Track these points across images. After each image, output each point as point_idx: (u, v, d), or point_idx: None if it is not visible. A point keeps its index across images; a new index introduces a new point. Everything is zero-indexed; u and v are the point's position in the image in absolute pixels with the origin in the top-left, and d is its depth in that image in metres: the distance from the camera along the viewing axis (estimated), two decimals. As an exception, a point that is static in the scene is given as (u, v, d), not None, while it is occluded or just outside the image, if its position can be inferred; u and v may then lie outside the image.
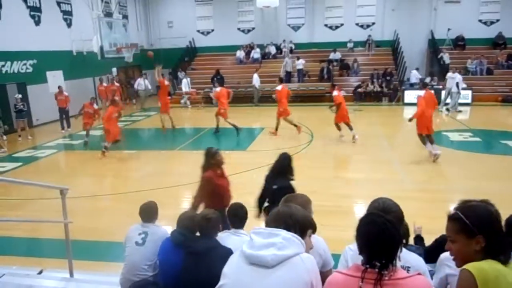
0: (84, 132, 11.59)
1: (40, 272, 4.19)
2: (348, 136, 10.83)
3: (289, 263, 1.61)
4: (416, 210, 5.07)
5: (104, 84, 16.38)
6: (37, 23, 14.93)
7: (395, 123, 14.47)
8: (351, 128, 10.74)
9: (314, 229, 1.89)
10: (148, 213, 3.57)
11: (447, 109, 15.21)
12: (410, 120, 8.96)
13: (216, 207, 3.62)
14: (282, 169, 4.41)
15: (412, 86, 17.43)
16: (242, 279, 1.65)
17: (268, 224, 1.80)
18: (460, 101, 15.99)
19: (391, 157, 9.38)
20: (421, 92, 8.93)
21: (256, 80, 17.80)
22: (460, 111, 15.12)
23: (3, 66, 13.33)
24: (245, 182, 7.85)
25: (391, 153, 9.74)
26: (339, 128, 10.92)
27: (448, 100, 15.56)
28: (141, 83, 18.15)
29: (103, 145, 10.07)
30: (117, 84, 17.05)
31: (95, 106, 11.71)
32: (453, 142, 10.66)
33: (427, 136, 8.66)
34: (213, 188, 4.33)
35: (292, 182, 4.30)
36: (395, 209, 2.29)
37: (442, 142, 10.75)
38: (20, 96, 12.67)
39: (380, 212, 1.88)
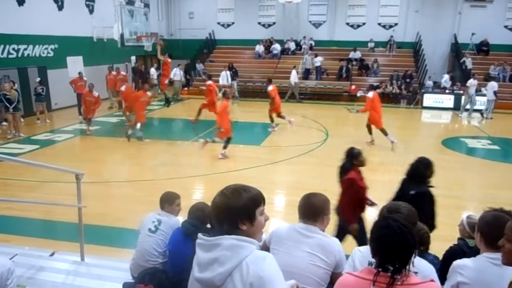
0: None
1: (52, 254, 4.27)
2: (364, 138, 10.71)
3: (236, 273, 1.46)
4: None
5: (113, 72, 15.88)
6: (60, 8, 15.12)
7: (413, 126, 14.26)
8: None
9: (263, 202, 1.61)
10: (166, 201, 3.61)
11: (481, 114, 14.87)
12: (358, 111, 10.24)
13: (355, 212, 3.49)
14: (418, 173, 4.02)
15: (443, 89, 17.16)
16: None
17: (213, 221, 1.62)
18: (480, 107, 15.67)
19: (406, 160, 9.20)
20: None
21: (294, 76, 17.47)
22: (491, 118, 14.78)
23: (25, 49, 13.56)
24: (257, 177, 7.87)
25: (407, 156, 9.55)
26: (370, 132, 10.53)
27: (468, 106, 15.24)
28: (177, 73, 17.83)
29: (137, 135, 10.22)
30: (123, 73, 16.27)
31: (95, 94, 11.52)
32: (471, 149, 10.46)
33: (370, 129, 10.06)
34: (356, 191, 4.08)
35: (431, 189, 3.94)
36: (406, 211, 2.32)
37: (460, 149, 10.58)
38: (39, 79, 12.87)
39: (396, 216, 1.86)
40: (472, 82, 15.02)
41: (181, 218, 3.62)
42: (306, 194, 2.55)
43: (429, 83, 17.83)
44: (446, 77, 17.64)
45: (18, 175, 7.58)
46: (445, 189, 7.44)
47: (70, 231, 4.93)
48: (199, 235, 1.58)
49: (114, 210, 6.29)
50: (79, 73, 13.92)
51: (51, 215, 5.96)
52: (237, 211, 1.52)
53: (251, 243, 1.52)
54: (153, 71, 18.59)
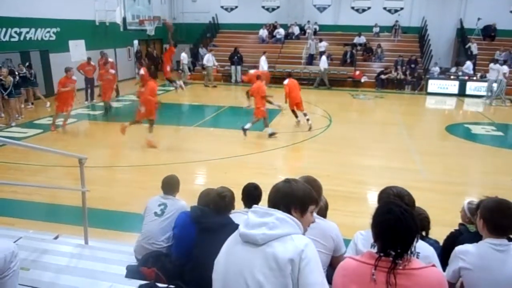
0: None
1: (56, 238, 4.31)
2: (368, 125, 10.65)
3: (278, 241, 1.60)
4: (430, 201, 4.97)
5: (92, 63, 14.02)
6: (62, -9, 14.95)
7: (416, 112, 14.17)
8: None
9: (316, 204, 1.84)
10: (170, 185, 3.66)
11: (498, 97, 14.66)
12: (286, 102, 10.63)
13: None
14: None
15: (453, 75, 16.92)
16: (233, 256, 1.68)
17: (268, 202, 1.78)
18: (483, 93, 15.52)
19: (409, 146, 9.22)
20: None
21: (324, 62, 17.15)
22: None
23: (27, 33, 13.46)
24: (260, 162, 7.89)
25: (409, 142, 9.57)
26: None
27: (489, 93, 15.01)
28: (210, 59, 17.49)
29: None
30: (111, 59, 14.49)
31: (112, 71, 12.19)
32: (475, 135, 10.41)
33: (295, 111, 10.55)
34: None
35: None
36: (407, 196, 2.33)
37: (463, 134, 10.53)
38: (20, 63, 12.50)
39: (398, 201, 1.86)
40: (493, 67, 14.62)
41: (184, 202, 3.64)
42: (305, 178, 2.49)
43: (435, 69, 17.60)
44: (469, 63, 17.03)
45: (22, 159, 7.61)
46: (447, 175, 7.45)
47: (74, 215, 4.97)
48: (254, 205, 1.78)
49: (117, 194, 6.33)
50: (88, 58, 13.78)
51: (55, 199, 6.01)
52: (295, 198, 1.73)
53: (299, 227, 1.69)
54: (183, 55, 18.31)
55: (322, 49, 18.65)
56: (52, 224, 5.21)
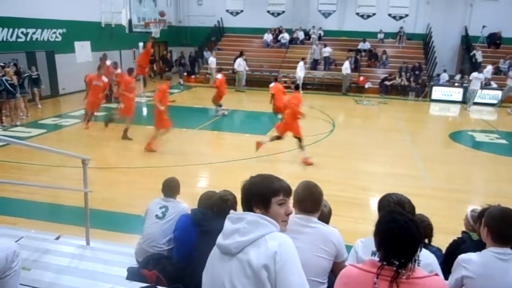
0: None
1: (58, 238, 4.31)
2: (371, 131, 10.60)
3: (252, 246, 1.56)
4: (433, 208, 4.96)
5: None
6: (69, -8, 15.05)
7: (420, 119, 14.14)
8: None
9: (281, 193, 1.69)
10: (171, 188, 3.65)
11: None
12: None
13: None
14: None
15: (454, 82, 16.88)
16: (216, 267, 1.67)
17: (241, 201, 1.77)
18: (489, 101, 15.53)
19: (413, 153, 9.19)
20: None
21: (346, 67, 17.13)
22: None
23: (33, 33, 13.55)
24: (262, 166, 7.87)
25: (413, 149, 9.54)
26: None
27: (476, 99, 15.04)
28: (241, 64, 17.43)
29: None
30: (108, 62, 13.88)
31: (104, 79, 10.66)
32: (478, 143, 10.38)
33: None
34: None
35: None
36: (408, 204, 2.32)
37: (467, 142, 10.50)
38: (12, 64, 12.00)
39: (402, 210, 1.85)
40: (476, 76, 14.72)
41: (186, 204, 3.64)
42: (305, 184, 2.48)
43: (443, 75, 17.52)
44: (489, 67, 16.83)
45: (26, 159, 7.64)
46: (450, 182, 7.43)
47: (76, 216, 4.98)
48: (231, 211, 1.75)
49: (120, 195, 6.34)
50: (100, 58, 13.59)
51: (58, 199, 6.02)
52: (253, 195, 1.69)
53: (272, 224, 1.63)
54: (211, 60, 18.22)
55: (326, 55, 18.68)
56: (54, 224, 5.21)
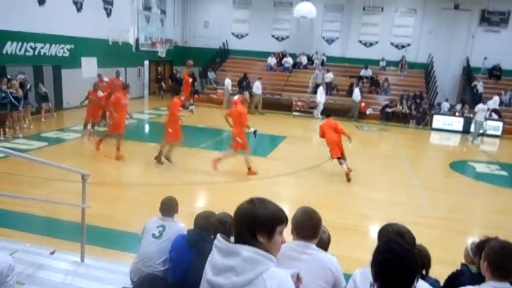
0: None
1: (53, 253, 4.27)
2: (373, 156, 10.60)
3: (249, 286, 1.46)
4: (432, 238, 4.94)
5: (121, 78, 14.57)
6: (79, 9, 15.38)
7: (420, 147, 14.18)
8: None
9: (286, 222, 1.63)
10: (169, 207, 3.63)
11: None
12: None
13: None
14: None
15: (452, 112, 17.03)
16: None
17: (234, 226, 1.62)
18: (490, 132, 15.59)
19: (413, 181, 9.18)
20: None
21: (357, 95, 17.24)
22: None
23: (42, 48, 13.77)
24: (262, 189, 7.85)
25: (413, 177, 9.53)
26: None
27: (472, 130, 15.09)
28: (259, 86, 17.57)
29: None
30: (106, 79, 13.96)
31: (99, 94, 11.09)
32: (479, 173, 10.37)
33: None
34: None
35: None
36: (408, 234, 2.29)
37: (467, 172, 10.49)
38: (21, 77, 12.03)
39: (400, 240, 1.85)
40: (481, 107, 14.82)
41: (183, 224, 3.62)
42: (304, 209, 2.44)
43: (445, 104, 17.67)
44: (496, 98, 16.98)
45: (26, 171, 7.64)
46: (450, 212, 7.39)
47: (72, 231, 4.94)
48: (218, 237, 1.61)
49: (117, 212, 6.30)
50: (99, 75, 13.48)
51: (55, 213, 5.99)
52: (259, 221, 1.54)
53: (270, 260, 1.52)
54: (227, 81, 18.29)
55: (328, 80, 18.91)
56: (49, 238, 5.16)
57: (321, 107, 17.05)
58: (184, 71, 13.55)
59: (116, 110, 9.22)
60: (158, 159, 8.93)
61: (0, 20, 12.01)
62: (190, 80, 15.07)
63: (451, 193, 8.53)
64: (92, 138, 10.53)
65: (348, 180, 8.51)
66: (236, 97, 12.61)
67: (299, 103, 17.93)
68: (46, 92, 13.05)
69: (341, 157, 8.68)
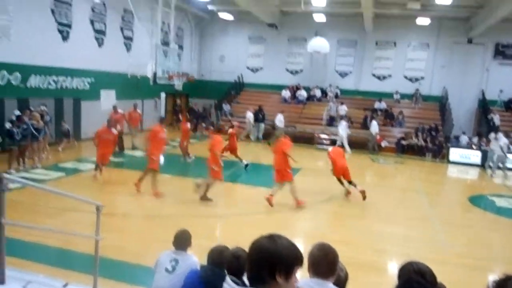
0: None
1: (66, 285, 4.23)
2: (387, 188, 10.43)
3: None
4: (452, 276, 4.74)
5: (138, 110, 15.23)
6: (100, 45, 16.03)
7: (438, 180, 13.89)
8: None
9: (302, 262, 1.59)
10: (182, 240, 3.61)
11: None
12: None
13: None
14: None
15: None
16: None
17: (250, 263, 1.55)
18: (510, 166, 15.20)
19: (431, 215, 8.95)
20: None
21: (374, 127, 17.33)
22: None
23: (64, 81, 14.29)
24: (277, 222, 7.75)
25: (431, 211, 9.30)
26: None
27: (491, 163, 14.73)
28: (281, 119, 17.76)
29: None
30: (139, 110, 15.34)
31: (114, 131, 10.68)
32: (499, 208, 10.06)
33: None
34: None
35: None
36: (429, 273, 2.21)
37: (487, 207, 10.20)
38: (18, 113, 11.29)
39: (420, 279, 1.79)
40: (494, 137, 14.55)
41: (196, 258, 3.58)
42: (320, 245, 2.37)
43: (463, 137, 17.43)
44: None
45: (42, 201, 7.73)
46: (470, 248, 7.14)
47: (85, 262, 4.92)
48: (228, 280, 1.58)
49: (131, 244, 6.27)
50: (114, 106, 13.84)
51: (69, 244, 5.99)
52: (280, 260, 1.48)
53: None
54: (249, 114, 18.57)
55: (342, 113, 18.97)
56: (62, 270, 5.14)
57: (345, 141, 16.99)
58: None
59: (154, 146, 8.87)
60: (204, 197, 8.65)
61: (26, 56, 12.57)
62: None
63: (471, 228, 8.27)
64: (99, 176, 10.09)
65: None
66: (231, 130, 12.92)
67: (322, 136, 17.96)
68: (68, 129, 13.60)
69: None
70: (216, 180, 8.73)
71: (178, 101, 21.59)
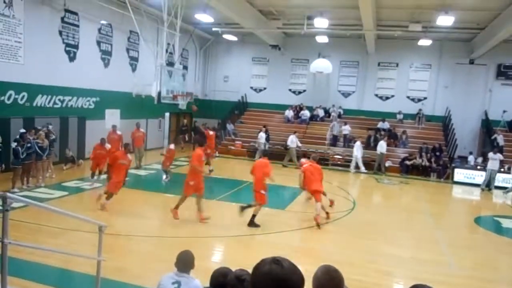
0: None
1: (67, 306, 4.18)
2: (394, 209, 10.34)
3: None
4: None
5: (141, 130, 15.26)
6: (106, 65, 16.27)
7: (443, 201, 13.76)
8: None
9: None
10: (185, 262, 3.56)
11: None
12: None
13: None
14: None
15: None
16: None
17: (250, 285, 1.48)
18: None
19: (437, 237, 8.82)
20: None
21: (382, 147, 17.13)
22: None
23: (69, 100, 14.45)
24: (281, 243, 7.67)
25: (437, 233, 9.17)
26: None
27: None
28: (293, 140, 17.66)
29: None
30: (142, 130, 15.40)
31: (107, 146, 11.79)
32: (506, 229, 9.93)
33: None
34: None
35: None
36: None
37: (493, 228, 10.06)
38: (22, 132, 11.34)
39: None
40: (492, 156, 14.52)
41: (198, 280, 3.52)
42: (325, 268, 2.34)
43: (471, 157, 17.35)
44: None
45: (44, 221, 7.70)
46: (477, 270, 7.02)
47: (86, 284, 4.86)
48: None
49: (133, 265, 6.19)
50: (113, 126, 14.04)
51: (70, 265, 5.93)
52: (289, 286, 1.42)
53: None
54: (261, 135, 18.55)
55: (346, 132, 18.99)
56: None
57: (360, 161, 17.02)
58: (201, 125, 14.02)
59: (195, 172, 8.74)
60: (251, 223, 8.42)
61: (33, 76, 12.78)
62: (211, 133, 15.41)
63: (477, 250, 8.13)
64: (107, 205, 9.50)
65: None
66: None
67: (336, 157, 17.92)
68: (72, 156, 13.79)
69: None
70: (261, 205, 8.48)
71: (186, 121, 21.70)
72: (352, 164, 17.30)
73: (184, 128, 21.20)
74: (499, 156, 14.80)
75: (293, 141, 17.65)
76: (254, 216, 8.41)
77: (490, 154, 14.69)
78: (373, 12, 14.68)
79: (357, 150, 17.16)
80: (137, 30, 15.66)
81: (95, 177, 11.56)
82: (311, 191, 9.29)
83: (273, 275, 1.42)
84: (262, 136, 18.48)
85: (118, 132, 13.86)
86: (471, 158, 17.34)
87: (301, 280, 1.46)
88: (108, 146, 11.57)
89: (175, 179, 12.88)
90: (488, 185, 14.78)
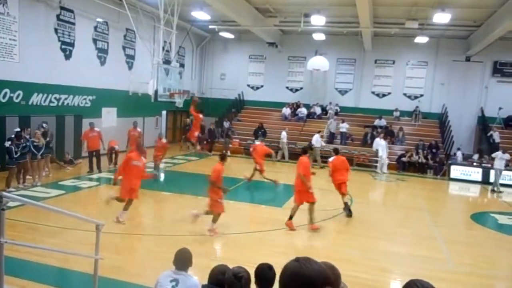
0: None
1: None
2: (389, 205, 10.36)
3: None
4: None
5: (138, 129, 14.70)
6: (102, 63, 16.20)
7: (440, 197, 13.81)
8: None
9: (332, 286, 1.56)
10: (183, 260, 3.55)
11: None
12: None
13: None
14: None
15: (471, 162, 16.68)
16: None
17: (279, 285, 1.53)
18: (509, 182, 15.15)
19: (435, 233, 8.86)
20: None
21: (382, 147, 16.88)
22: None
23: (65, 99, 14.38)
24: (278, 240, 7.68)
25: (435, 230, 9.20)
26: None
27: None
28: (318, 140, 17.47)
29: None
30: (138, 129, 14.84)
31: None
32: (502, 225, 9.97)
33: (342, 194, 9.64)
34: None
35: None
36: None
37: (490, 224, 10.11)
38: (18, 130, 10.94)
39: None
40: (499, 155, 14.50)
41: (197, 278, 3.52)
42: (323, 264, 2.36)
43: (458, 153, 17.39)
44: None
45: (41, 220, 7.66)
46: (474, 266, 7.04)
47: (84, 283, 4.85)
48: None
49: (130, 264, 6.19)
50: (90, 123, 13.43)
51: (68, 264, 5.91)
52: (306, 283, 1.47)
53: None
54: (283, 134, 18.41)
55: (343, 130, 19.01)
56: (60, 290, 5.06)
57: (385, 162, 16.79)
58: (191, 108, 14.04)
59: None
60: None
61: (29, 74, 12.70)
62: (200, 115, 15.33)
63: (474, 246, 8.17)
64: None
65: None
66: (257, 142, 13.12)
67: (361, 157, 17.86)
68: (71, 159, 13.81)
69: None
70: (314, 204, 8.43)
71: (188, 120, 21.61)
72: (379, 165, 16.93)
73: (187, 127, 21.09)
74: (507, 156, 14.61)
75: (317, 140, 17.41)
76: (311, 218, 8.37)
77: (499, 154, 14.37)
78: (370, 9, 14.68)
79: (383, 151, 16.73)
80: (133, 28, 15.59)
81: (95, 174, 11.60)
82: (335, 182, 9.70)
83: (300, 274, 1.48)
84: (284, 135, 18.32)
85: (139, 129, 13.88)
86: (458, 154, 17.34)
87: (324, 278, 1.49)
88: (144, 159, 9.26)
89: (170, 177, 12.88)
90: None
